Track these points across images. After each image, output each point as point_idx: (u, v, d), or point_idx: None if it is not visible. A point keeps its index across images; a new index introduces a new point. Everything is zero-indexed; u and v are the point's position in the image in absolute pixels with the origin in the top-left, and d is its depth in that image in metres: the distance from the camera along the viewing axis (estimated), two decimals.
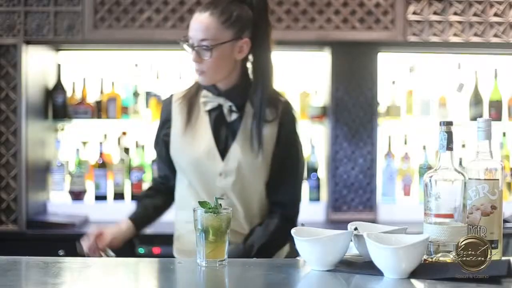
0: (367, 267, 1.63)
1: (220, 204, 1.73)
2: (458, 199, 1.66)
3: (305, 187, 3.95)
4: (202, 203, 1.73)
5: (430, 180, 1.68)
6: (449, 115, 3.93)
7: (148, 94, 3.96)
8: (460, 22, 3.65)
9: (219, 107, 2.23)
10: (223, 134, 2.21)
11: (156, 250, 3.32)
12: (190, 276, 1.70)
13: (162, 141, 2.29)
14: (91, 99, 3.98)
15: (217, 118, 2.22)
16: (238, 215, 2.17)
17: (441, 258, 1.65)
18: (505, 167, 3.39)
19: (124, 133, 4.06)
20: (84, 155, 4.02)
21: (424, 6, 3.65)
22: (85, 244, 2.16)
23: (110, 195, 3.93)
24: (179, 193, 2.29)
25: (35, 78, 3.68)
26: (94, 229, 2.19)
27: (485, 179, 1.69)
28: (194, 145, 2.21)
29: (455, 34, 3.65)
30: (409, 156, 4.02)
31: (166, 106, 2.31)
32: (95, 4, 3.56)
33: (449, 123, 1.69)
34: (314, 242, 1.64)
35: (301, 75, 4.08)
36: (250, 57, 2.22)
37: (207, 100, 2.24)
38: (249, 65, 2.24)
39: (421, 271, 1.57)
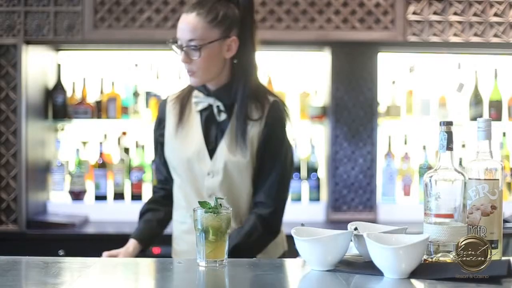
0: (367, 267, 1.63)
1: (220, 204, 1.73)
2: (458, 199, 1.66)
3: (305, 187, 3.95)
4: (202, 203, 1.73)
5: (430, 180, 1.68)
6: (449, 115, 3.93)
7: (148, 94, 3.96)
8: (460, 22, 3.65)
9: (210, 107, 2.23)
10: (213, 134, 2.22)
11: (156, 250, 3.32)
12: (190, 276, 1.69)
13: (158, 142, 2.31)
14: (91, 99, 3.98)
15: (207, 118, 2.23)
16: None
17: (441, 258, 1.65)
18: (505, 167, 3.39)
19: (124, 133, 4.06)
20: (84, 155, 4.02)
21: (424, 6, 3.65)
22: None
23: (110, 195, 3.93)
24: (174, 194, 2.30)
25: (35, 78, 3.68)
26: (105, 254, 2.16)
27: (485, 179, 1.69)
28: (185, 145, 2.22)
29: (455, 34, 3.65)
30: (409, 156, 4.02)
31: (161, 107, 2.33)
32: (95, 4, 3.56)
33: (449, 123, 1.69)
34: (314, 242, 1.64)
35: (301, 75, 4.08)
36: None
37: (198, 100, 2.24)
38: None
39: (421, 271, 1.57)
